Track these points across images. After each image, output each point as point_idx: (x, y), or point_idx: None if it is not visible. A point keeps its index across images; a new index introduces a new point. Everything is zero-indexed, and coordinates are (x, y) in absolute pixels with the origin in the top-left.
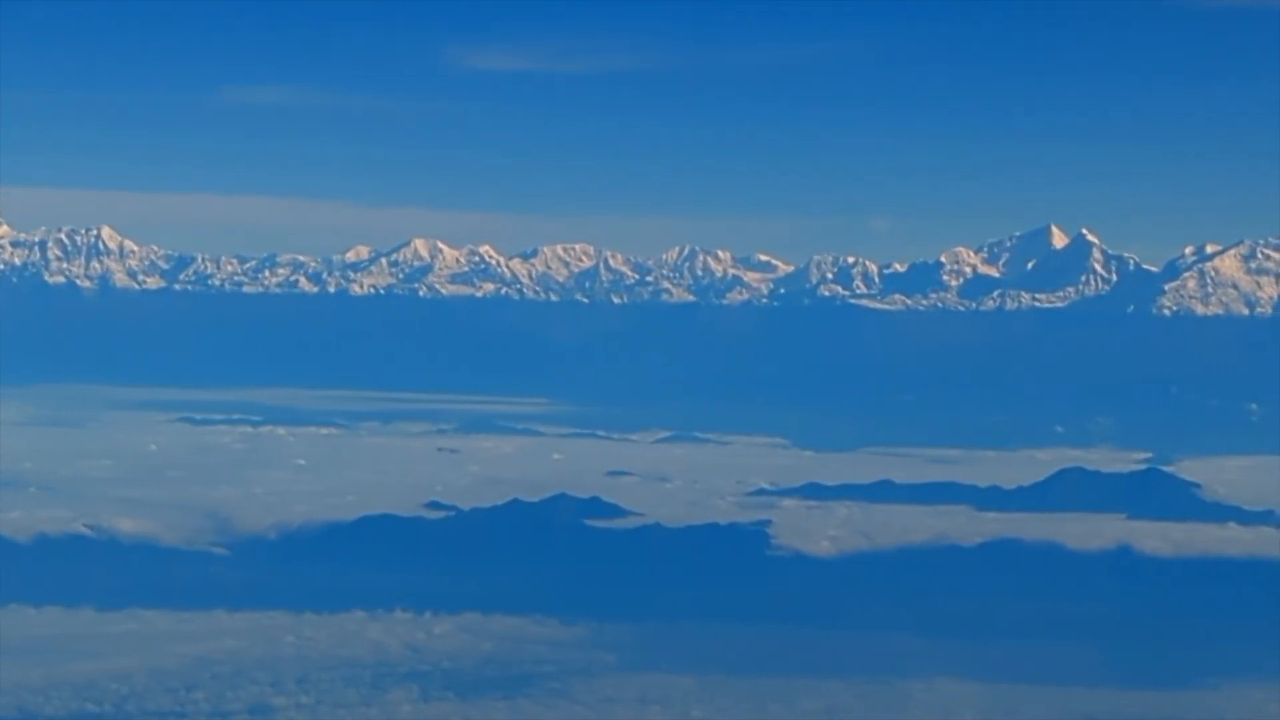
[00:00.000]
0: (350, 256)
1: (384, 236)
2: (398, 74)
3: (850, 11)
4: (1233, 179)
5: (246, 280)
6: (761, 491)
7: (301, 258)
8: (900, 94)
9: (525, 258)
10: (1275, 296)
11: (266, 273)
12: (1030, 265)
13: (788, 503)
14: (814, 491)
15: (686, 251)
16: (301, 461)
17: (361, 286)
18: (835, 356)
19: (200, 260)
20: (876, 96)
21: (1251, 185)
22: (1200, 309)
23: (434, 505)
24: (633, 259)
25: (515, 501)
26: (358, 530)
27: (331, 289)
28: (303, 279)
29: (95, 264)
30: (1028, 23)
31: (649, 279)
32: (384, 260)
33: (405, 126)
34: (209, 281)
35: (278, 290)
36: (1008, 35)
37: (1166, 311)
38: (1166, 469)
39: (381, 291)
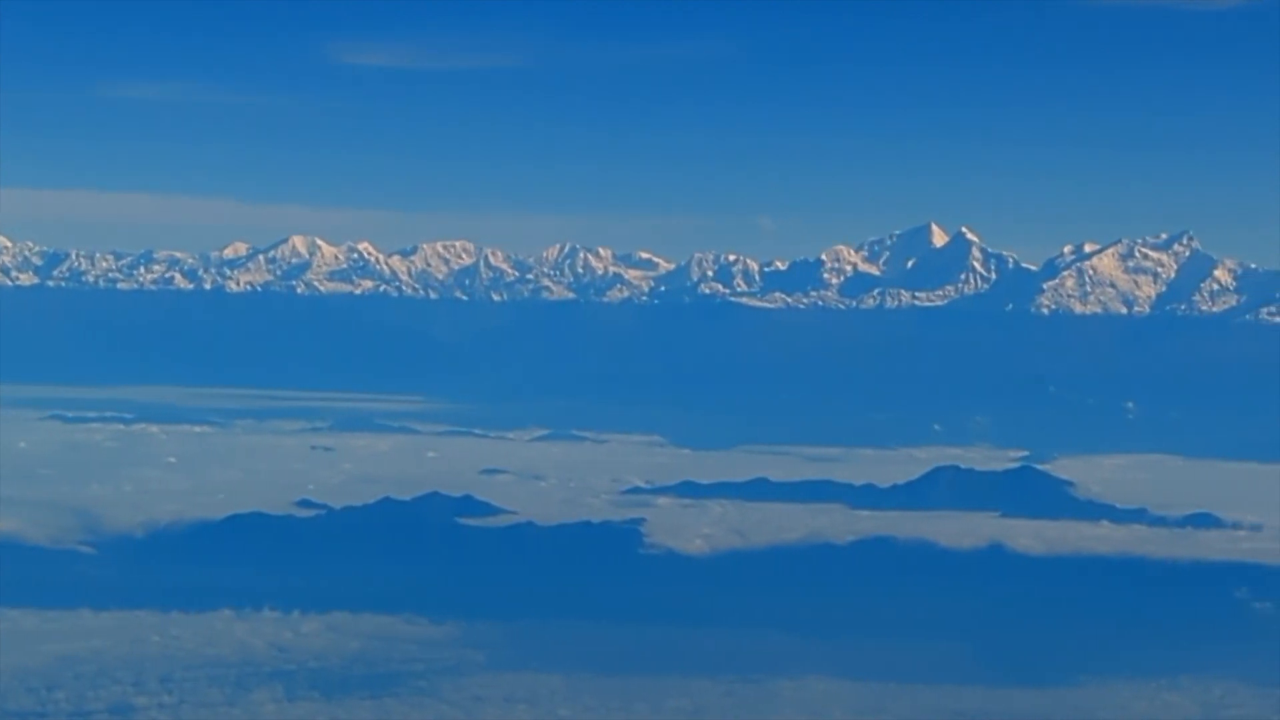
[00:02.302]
0: (228, 253)
1: (262, 233)
2: (276, 70)
3: (733, 9)
4: (1111, 178)
5: (121, 277)
6: (636, 490)
7: (178, 254)
8: (783, 92)
9: (404, 255)
10: (1153, 295)
11: (142, 269)
12: (910, 264)
13: (662, 501)
14: (689, 490)
15: (567, 249)
16: (173, 460)
17: (238, 284)
18: (715, 354)
19: (74, 257)
20: (759, 95)
21: (1130, 185)
22: (1079, 307)
23: (305, 504)
24: (513, 256)
25: (387, 500)
26: (226, 529)
27: (208, 286)
28: (178, 276)
29: None
30: (908, 21)
31: (529, 277)
32: (261, 257)
33: (284, 123)
34: (83, 278)
35: (153, 287)
36: (888, 34)
37: (1045, 310)
38: (1041, 467)
39: (258, 289)
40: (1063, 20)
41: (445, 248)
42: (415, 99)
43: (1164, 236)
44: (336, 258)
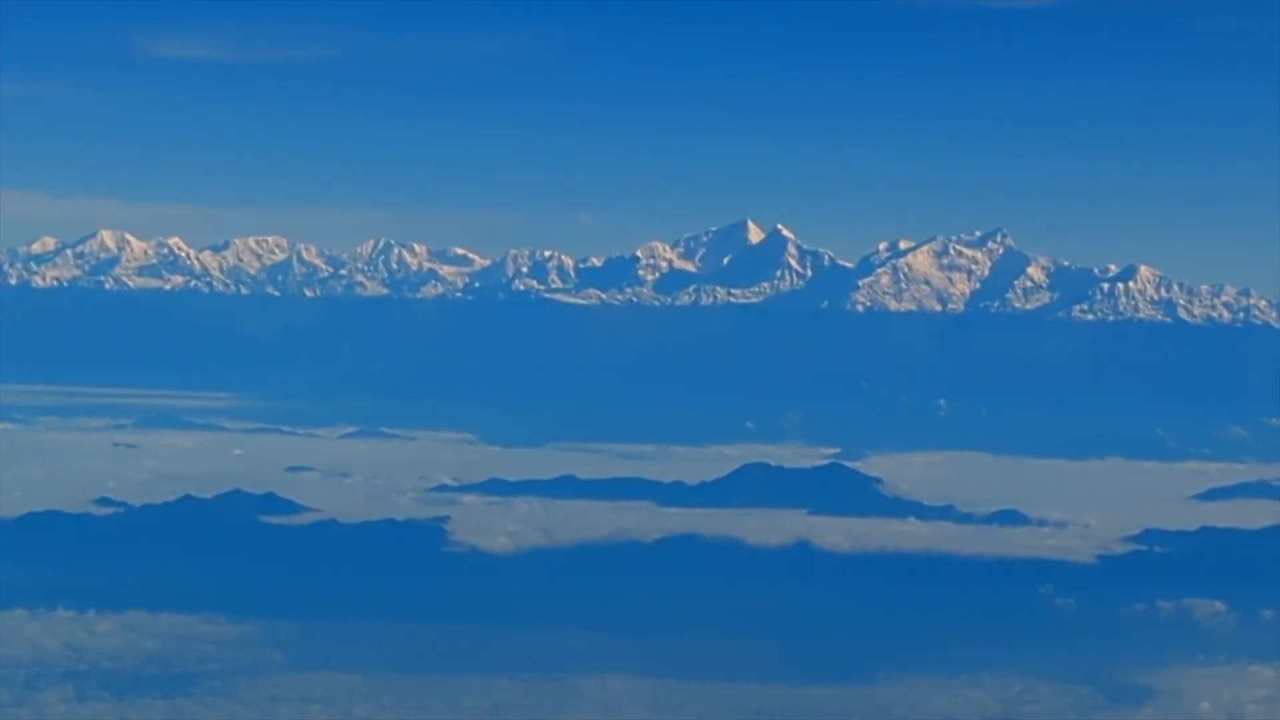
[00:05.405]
0: (35, 248)
1: (70, 228)
2: (85, 63)
3: (551, 4)
4: (926, 176)
5: None
6: (443, 488)
7: None
8: (599, 89)
9: (216, 250)
10: (967, 293)
11: None
12: (726, 260)
13: (468, 498)
14: (496, 487)
15: (381, 245)
16: None
17: (45, 279)
18: (529, 351)
19: None
20: (576, 91)
21: (944, 183)
22: (893, 305)
23: (104, 501)
24: (326, 252)
25: (187, 498)
26: (22, 527)
27: (13, 281)
28: None
29: None
30: (723, 19)
31: (343, 272)
32: (69, 252)
33: (93, 116)
34: None
35: None
36: (704, 32)
37: (860, 307)
38: (851, 465)
39: (65, 284)
40: (873, 18)
41: (257, 243)
42: (227, 92)
43: (978, 234)
44: (146, 253)
